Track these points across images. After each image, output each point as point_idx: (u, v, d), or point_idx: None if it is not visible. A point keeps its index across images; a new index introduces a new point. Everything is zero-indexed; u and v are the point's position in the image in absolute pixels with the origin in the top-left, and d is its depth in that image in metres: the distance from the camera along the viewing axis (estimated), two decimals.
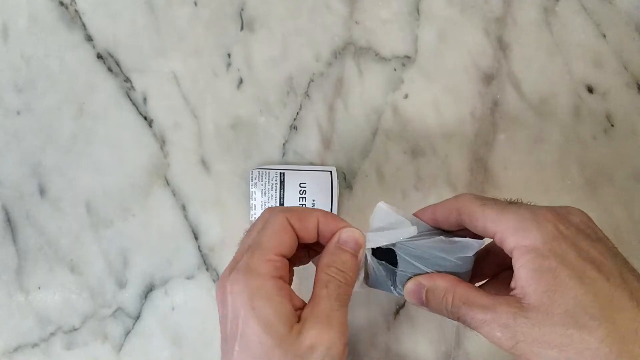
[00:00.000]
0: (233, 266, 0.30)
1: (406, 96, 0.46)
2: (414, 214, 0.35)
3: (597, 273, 0.27)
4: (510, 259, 0.29)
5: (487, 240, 0.32)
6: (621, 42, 0.46)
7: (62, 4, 0.46)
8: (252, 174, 0.43)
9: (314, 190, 0.43)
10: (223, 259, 0.45)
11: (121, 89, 0.46)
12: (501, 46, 0.46)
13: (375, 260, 0.33)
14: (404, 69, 0.46)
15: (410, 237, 0.32)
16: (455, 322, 0.44)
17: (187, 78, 0.46)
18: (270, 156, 0.45)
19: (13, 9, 0.46)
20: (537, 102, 0.46)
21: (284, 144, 0.46)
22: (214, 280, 0.44)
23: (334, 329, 0.29)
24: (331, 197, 0.44)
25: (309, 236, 0.32)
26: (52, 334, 0.44)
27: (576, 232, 0.28)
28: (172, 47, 0.46)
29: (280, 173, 0.44)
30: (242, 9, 0.46)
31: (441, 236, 0.32)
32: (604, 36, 0.46)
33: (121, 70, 0.46)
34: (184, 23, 0.46)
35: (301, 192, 0.43)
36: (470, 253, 0.31)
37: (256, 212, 0.44)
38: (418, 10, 0.46)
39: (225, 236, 0.45)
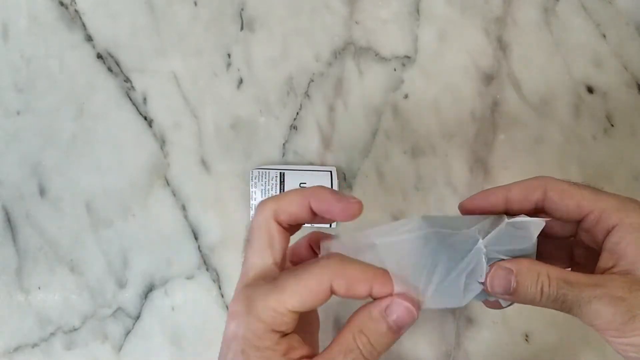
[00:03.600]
0: (249, 281, 0.27)
1: (406, 96, 0.46)
2: (474, 196, 0.32)
3: None
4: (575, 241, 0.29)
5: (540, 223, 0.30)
6: (621, 42, 0.46)
7: (62, 4, 0.46)
8: (252, 174, 0.43)
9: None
10: (223, 259, 0.45)
11: (121, 89, 0.46)
12: (501, 46, 0.46)
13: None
14: (404, 69, 0.46)
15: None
16: (455, 323, 0.44)
17: (187, 78, 0.46)
18: (270, 156, 0.45)
19: (13, 9, 0.46)
20: (537, 102, 0.46)
21: (284, 144, 0.46)
22: (213, 280, 0.44)
23: None
24: None
25: (304, 220, 0.29)
26: (52, 334, 0.44)
27: None
28: (172, 47, 0.46)
29: (280, 173, 0.43)
30: (242, 9, 0.46)
31: (505, 219, 0.29)
32: (604, 36, 0.46)
33: (121, 70, 0.46)
34: (184, 23, 0.46)
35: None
36: (539, 229, 0.30)
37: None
38: (418, 10, 0.46)
39: (225, 236, 0.45)
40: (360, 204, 0.28)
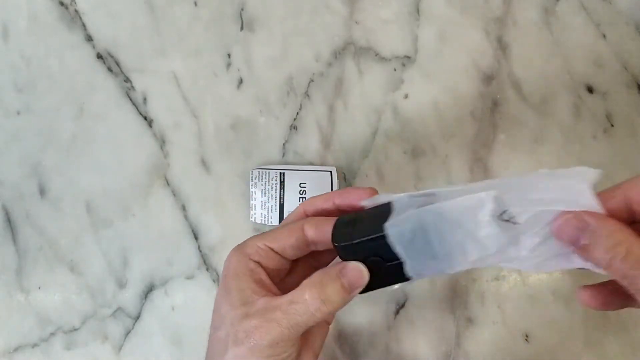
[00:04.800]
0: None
1: (406, 96, 0.46)
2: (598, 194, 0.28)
3: None
4: None
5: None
6: (621, 42, 0.46)
7: (62, 4, 0.46)
8: (252, 174, 0.43)
9: (313, 191, 0.43)
10: (223, 259, 0.44)
11: (121, 89, 0.46)
12: (501, 46, 0.46)
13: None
14: (404, 69, 0.46)
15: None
16: (455, 323, 0.44)
17: (187, 78, 0.46)
18: (270, 156, 0.45)
19: (13, 9, 0.46)
20: (537, 102, 0.46)
21: (284, 144, 0.46)
22: (214, 281, 0.44)
23: (277, 330, 0.29)
24: None
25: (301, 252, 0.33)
26: (52, 334, 0.44)
27: None
28: (172, 47, 0.46)
29: (280, 173, 0.43)
30: (242, 9, 0.46)
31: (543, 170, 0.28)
32: (604, 36, 0.46)
33: (121, 70, 0.46)
34: (184, 23, 0.46)
35: (301, 192, 0.43)
36: (588, 181, 0.27)
37: (256, 212, 0.44)
38: (418, 10, 0.46)
39: (225, 236, 0.45)
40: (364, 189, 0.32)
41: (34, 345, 0.44)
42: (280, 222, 0.44)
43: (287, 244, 0.32)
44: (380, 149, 0.46)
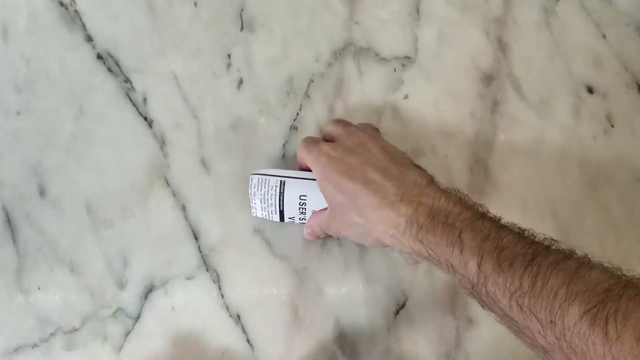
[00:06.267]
0: None
1: (406, 97, 0.46)
2: None
3: (347, 180, 0.38)
4: None
5: None
6: (621, 42, 0.46)
7: (62, 4, 0.46)
8: (251, 180, 0.42)
9: (314, 202, 0.42)
10: (223, 259, 0.45)
11: (121, 89, 0.46)
12: (501, 46, 0.46)
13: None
14: (404, 70, 0.46)
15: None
16: (455, 323, 0.44)
17: (187, 78, 0.46)
18: (271, 156, 0.45)
19: (13, 9, 0.46)
20: (537, 102, 0.46)
21: (284, 144, 0.46)
22: (214, 281, 0.44)
23: None
24: None
25: None
26: (52, 335, 0.44)
27: (343, 150, 0.39)
28: (172, 48, 0.46)
29: (281, 182, 0.42)
30: (242, 9, 0.46)
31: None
32: (604, 36, 0.46)
33: (121, 71, 0.46)
34: (184, 23, 0.46)
35: (301, 204, 0.42)
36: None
37: (257, 219, 0.43)
38: (418, 11, 0.46)
39: (225, 236, 0.45)
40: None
41: (34, 346, 0.44)
42: (280, 219, 0.43)
43: None
44: None
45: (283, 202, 0.42)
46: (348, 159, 0.39)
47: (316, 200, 0.41)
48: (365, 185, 0.37)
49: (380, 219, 0.37)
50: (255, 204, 0.43)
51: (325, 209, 0.41)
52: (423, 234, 0.35)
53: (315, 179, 0.41)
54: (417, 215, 0.35)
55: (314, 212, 0.42)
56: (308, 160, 0.41)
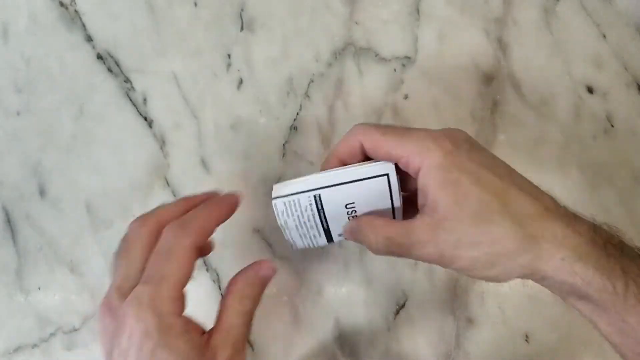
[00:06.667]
0: (125, 290, 0.30)
1: (406, 96, 0.46)
2: (321, 169, 0.35)
3: (492, 175, 0.30)
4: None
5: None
6: (621, 42, 0.46)
7: (62, 4, 0.46)
8: (275, 208, 0.34)
9: (366, 208, 0.33)
10: (223, 259, 0.45)
11: (121, 89, 0.46)
12: (501, 46, 0.46)
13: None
14: (404, 70, 0.46)
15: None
16: (455, 323, 0.44)
17: (187, 78, 0.46)
18: (271, 156, 0.45)
19: (13, 9, 0.46)
20: (537, 102, 0.46)
21: (284, 144, 0.46)
22: (213, 281, 0.44)
23: (244, 353, 0.31)
24: (392, 207, 0.33)
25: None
26: (52, 335, 0.44)
27: (468, 146, 0.31)
28: (172, 48, 0.46)
29: (315, 197, 0.33)
30: (242, 9, 0.46)
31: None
32: (604, 36, 0.46)
33: (121, 71, 0.46)
34: (184, 23, 0.46)
35: (349, 213, 0.33)
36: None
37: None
38: (418, 11, 0.46)
39: (225, 236, 0.45)
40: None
41: (34, 346, 0.44)
42: (328, 241, 0.36)
43: None
44: None
45: (326, 219, 0.34)
46: (479, 152, 0.31)
47: (367, 205, 0.33)
48: (520, 187, 0.30)
49: (549, 235, 0.28)
50: (290, 234, 0.35)
51: (385, 210, 0.33)
52: (604, 262, 0.28)
53: (354, 180, 0.32)
54: (596, 238, 0.28)
55: (366, 218, 0.33)
56: (416, 139, 0.31)
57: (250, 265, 0.34)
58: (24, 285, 0.44)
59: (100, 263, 0.44)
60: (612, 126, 0.46)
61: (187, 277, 0.30)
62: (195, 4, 0.46)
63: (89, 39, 0.46)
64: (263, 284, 0.34)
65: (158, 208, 0.33)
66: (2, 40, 0.46)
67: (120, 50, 0.46)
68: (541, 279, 0.30)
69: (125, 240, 0.33)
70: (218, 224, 0.33)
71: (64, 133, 0.45)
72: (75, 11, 0.46)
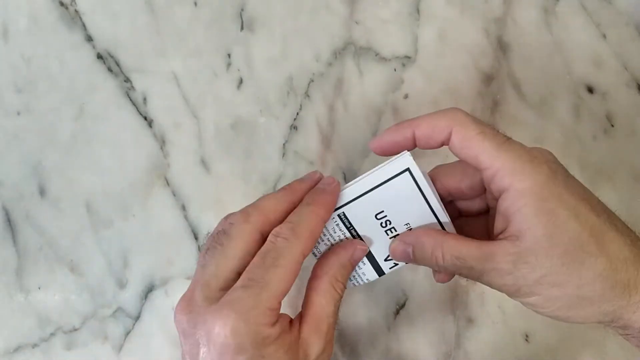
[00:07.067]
0: (213, 290, 0.27)
1: (406, 96, 0.46)
2: (385, 134, 0.32)
3: (589, 210, 0.27)
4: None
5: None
6: (621, 42, 0.46)
7: (62, 4, 0.46)
8: None
9: (398, 215, 0.31)
10: None
11: (121, 89, 0.46)
12: (501, 46, 0.46)
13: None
14: (404, 69, 0.46)
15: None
16: (455, 323, 0.44)
17: (187, 78, 0.46)
18: (271, 156, 0.45)
19: (13, 9, 0.46)
20: (537, 102, 0.46)
21: (284, 144, 0.46)
22: None
23: (333, 342, 0.29)
24: (429, 207, 0.31)
25: None
26: (52, 334, 0.44)
27: (564, 172, 0.28)
28: (172, 48, 0.46)
29: (339, 216, 0.31)
30: (242, 9, 0.46)
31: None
32: (604, 36, 0.46)
33: (121, 71, 0.46)
34: (184, 23, 0.46)
35: (384, 225, 0.32)
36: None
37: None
38: (418, 10, 0.46)
39: None
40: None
41: (34, 346, 0.44)
42: (379, 274, 0.35)
43: None
44: None
45: (359, 236, 0.32)
46: (574, 181, 0.29)
47: (399, 212, 0.31)
48: (616, 227, 0.27)
49: None
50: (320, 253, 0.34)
51: (425, 215, 0.31)
52: None
53: (373, 187, 0.30)
54: None
55: (424, 230, 0.31)
56: (513, 154, 0.28)
57: (340, 245, 0.30)
58: (24, 285, 0.44)
59: (100, 263, 0.44)
60: (612, 126, 0.46)
61: (289, 288, 0.28)
62: (195, 4, 0.46)
63: (89, 38, 0.46)
64: (354, 267, 0.31)
65: (261, 201, 0.30)
66: (2, 40, 0.46)
67: (120, 50, 0.46)
68: (622, 328, 0.28)
69: (222, 233, 0.29)
70: (325, 224, 0.30)
71: (64, 133, 0.45)
72: (76, 11, 0.46)
